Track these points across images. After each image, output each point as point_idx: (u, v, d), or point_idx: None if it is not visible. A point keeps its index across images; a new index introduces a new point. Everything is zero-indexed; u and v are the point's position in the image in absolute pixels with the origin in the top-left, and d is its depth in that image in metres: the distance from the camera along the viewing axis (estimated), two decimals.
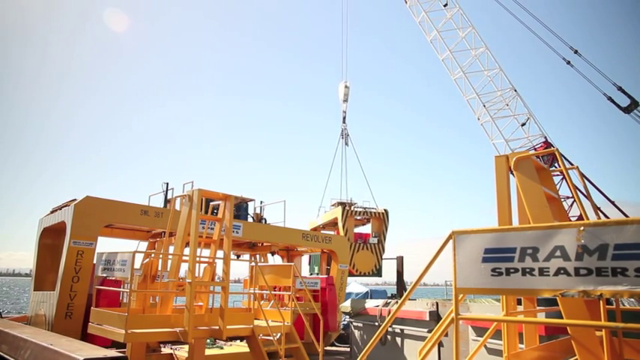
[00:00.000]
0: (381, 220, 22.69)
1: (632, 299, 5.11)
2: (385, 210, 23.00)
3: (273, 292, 9.33)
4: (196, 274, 7.28)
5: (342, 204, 22.73)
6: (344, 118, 27.17)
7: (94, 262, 9.45)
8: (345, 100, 27.52)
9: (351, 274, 19.18)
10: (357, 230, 22.63)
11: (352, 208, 22.34)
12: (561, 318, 3.76)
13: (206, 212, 8.61)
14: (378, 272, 22.22)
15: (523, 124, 22.72)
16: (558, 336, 4.67)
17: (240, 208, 14.69)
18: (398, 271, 21.49)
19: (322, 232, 21.24)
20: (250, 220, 15.07)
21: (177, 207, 8.79)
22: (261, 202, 16.00)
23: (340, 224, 21.40)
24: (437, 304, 8.45)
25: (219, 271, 7.90)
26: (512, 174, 4.40)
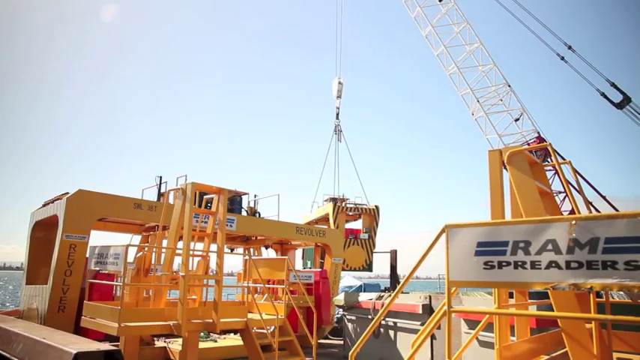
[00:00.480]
0: (372, 216, 22.78)
1: (621, 292, 5.18)
2: (376, 206, 23.10)
3: (266, 286, 9.35)
4: (190, 268, 7.28)
5: (334, 200, 22.79)
6: (337, 114, 27.19)
7: (87, 255, 9.41)
8: (339, 97, 27.52)
9: (342, 269, 19.31)
10: (348, 226, 22.74)
11: (344, 204, 22.41)
12: (552, 311, 3.80)
13: (200, 206, 8.59)
14: (368, 267, 22.40)
15: (517, 120, 22.83)
16: (549, 328, 4.73)
17: (234, 201, 14.66)
18: (391, 265, 21.58)
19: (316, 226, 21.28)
20: (244, 213, 15.05)
21: (171, 200, 8.76)
22: (255, 195, 16.01)
23: (331, 220, 21.45)
24: (430, 297, 8.52)
25: (212, 264, 7.90)
26: (506, 168, 4.42)
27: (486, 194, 4.37)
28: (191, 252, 7.42)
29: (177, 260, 7.52)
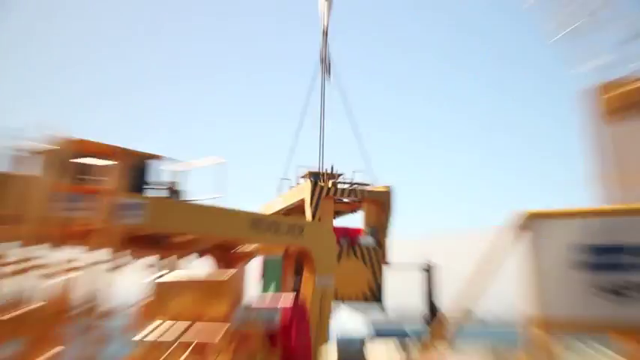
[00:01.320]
0: (380, 204, 22.09)
1: None
2: (388, 187, 22.54)
3: (189, 332, 9.25)
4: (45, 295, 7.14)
5: (315, 176, 22.06)
6: (325, 30, 26.25)
7: None
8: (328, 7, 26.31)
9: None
10: (339, 221, 22.46)
11: (331, 182, 21.70)
12: None
13: (74, 178, 8.47)
14: (375, 297, 21.77)
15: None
16: None
17: (141, 172, 14.48)
18: (426, 289, 21.47)
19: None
20: (161, 193, 14.87)
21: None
22: (184, 163, 15.76)
23: (309, 210, 20.70)
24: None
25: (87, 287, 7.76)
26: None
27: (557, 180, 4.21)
28: (45, 264, 7.29)
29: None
